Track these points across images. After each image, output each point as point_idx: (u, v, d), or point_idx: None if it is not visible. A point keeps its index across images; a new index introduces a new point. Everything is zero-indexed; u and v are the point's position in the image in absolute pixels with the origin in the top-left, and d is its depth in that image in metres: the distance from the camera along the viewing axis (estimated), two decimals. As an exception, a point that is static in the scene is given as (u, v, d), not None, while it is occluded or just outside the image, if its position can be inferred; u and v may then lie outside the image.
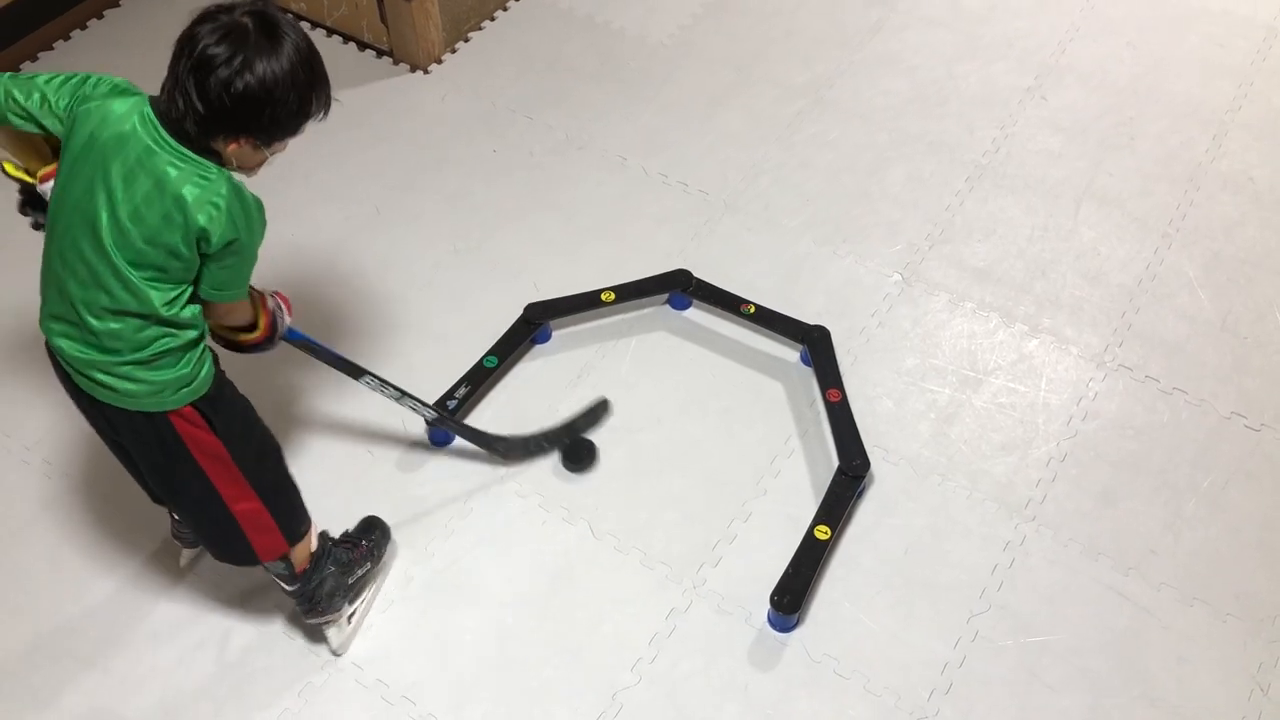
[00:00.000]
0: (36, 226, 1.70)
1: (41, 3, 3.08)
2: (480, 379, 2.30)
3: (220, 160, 1.53)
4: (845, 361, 2.37)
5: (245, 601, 2.05)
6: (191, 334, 1.58)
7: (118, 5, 3.22)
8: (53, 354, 1.63)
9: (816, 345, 2.34)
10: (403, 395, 2.03)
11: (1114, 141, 2.86)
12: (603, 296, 2.42)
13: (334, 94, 2.98)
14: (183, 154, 1.49)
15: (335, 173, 2.78)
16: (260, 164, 1.59)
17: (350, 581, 1.97)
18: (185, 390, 1.60)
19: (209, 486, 1.69)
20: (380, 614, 2.03)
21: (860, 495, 2.18)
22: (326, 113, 1.59)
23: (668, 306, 2.50)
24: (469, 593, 2.07)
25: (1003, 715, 1.92)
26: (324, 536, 1.93)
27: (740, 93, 2.98)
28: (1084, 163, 2.80)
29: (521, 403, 2.33)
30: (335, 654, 1.99)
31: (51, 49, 3.10)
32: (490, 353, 2.34)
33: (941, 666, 1.98)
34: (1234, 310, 2.50)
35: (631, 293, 2.44)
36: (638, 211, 2.70)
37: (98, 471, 2.22)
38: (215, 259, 1.54)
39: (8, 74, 1.61)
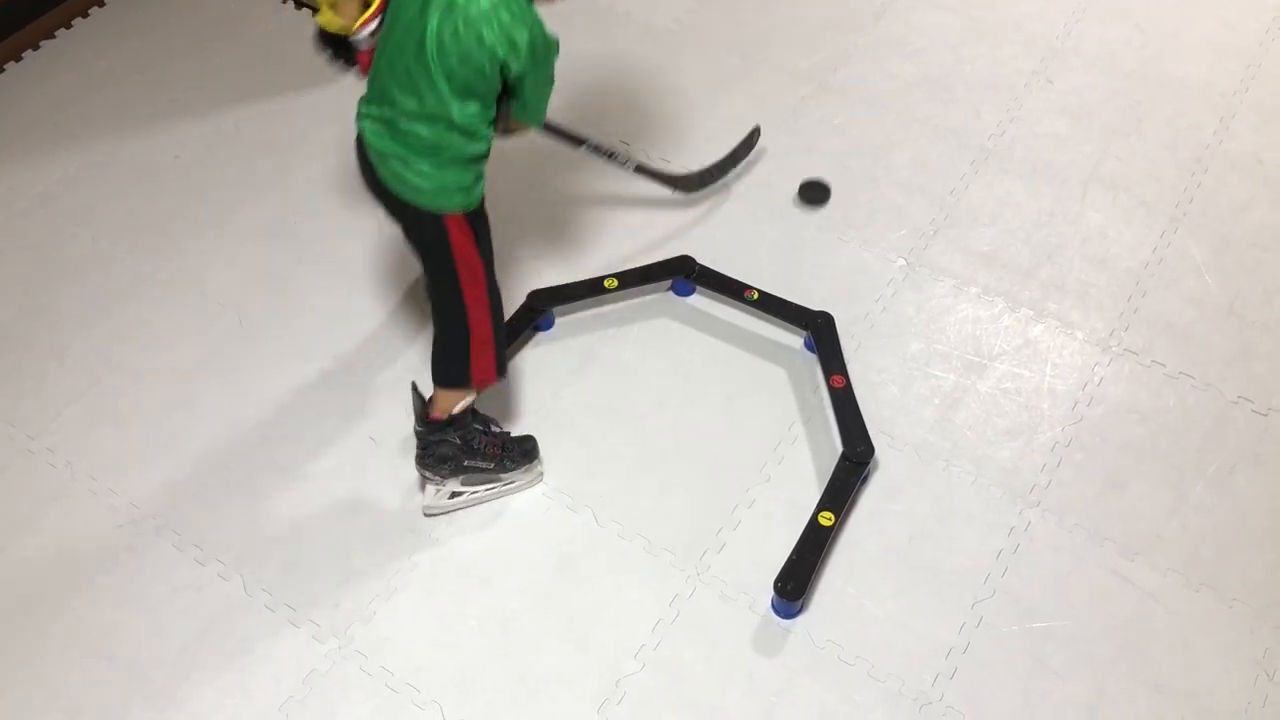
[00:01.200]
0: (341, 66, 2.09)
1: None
2: (484, 366, 2.30)
3: None
4: (849, 347, 2.37)
5: (250, 590, 2.05)
6: (480, 148, 1.81)
7: (102, 4, 3.22)
8: (361, 148, 1.89)
9: (820, 331, 2.33)
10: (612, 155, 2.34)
11: (1121, 125, 2.84)
12: (606, 283, 2.42)
13: (335, 81, 2.99)
14: None
15: (337, 160, 2.77)
16: None
17: (465, 464, 2.09)
18: (460, 195, 1.84)
19: (460, 297, 1.92)
20: (384, 601, 2.04)
21: (864, 481, 2.17)
22: None
23: (671, 293, 2.49)
24: (473, 580, 2.07)
25: (1007, 701, 1.92)
26: (470, 411, 2.07)
27: (745, 78, 2.96)
28: (1090, 146, 2.78)
29: (525, 390, 2.33)
30: (424, 511, 2.14)
31: (38, 48, 3.10)
32: (493, 340, 2.34)
33: (946, 652, 1.97)
34: (1242, 294, 2.48)
35: (635, 279, 2.43)
36: (642, 197, 2.69)
37: (102, 462, 2.23)
38: (515, 89, 1.79)
39: None
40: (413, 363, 2.36)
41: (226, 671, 1.96)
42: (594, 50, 3.04)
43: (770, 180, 2.71)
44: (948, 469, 2.21)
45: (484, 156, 1.84)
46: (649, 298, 2.49)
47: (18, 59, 3.05)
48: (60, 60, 3.06)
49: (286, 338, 2.42)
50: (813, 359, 2.35)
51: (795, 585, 1.98)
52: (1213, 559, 2.08)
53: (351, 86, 2.95)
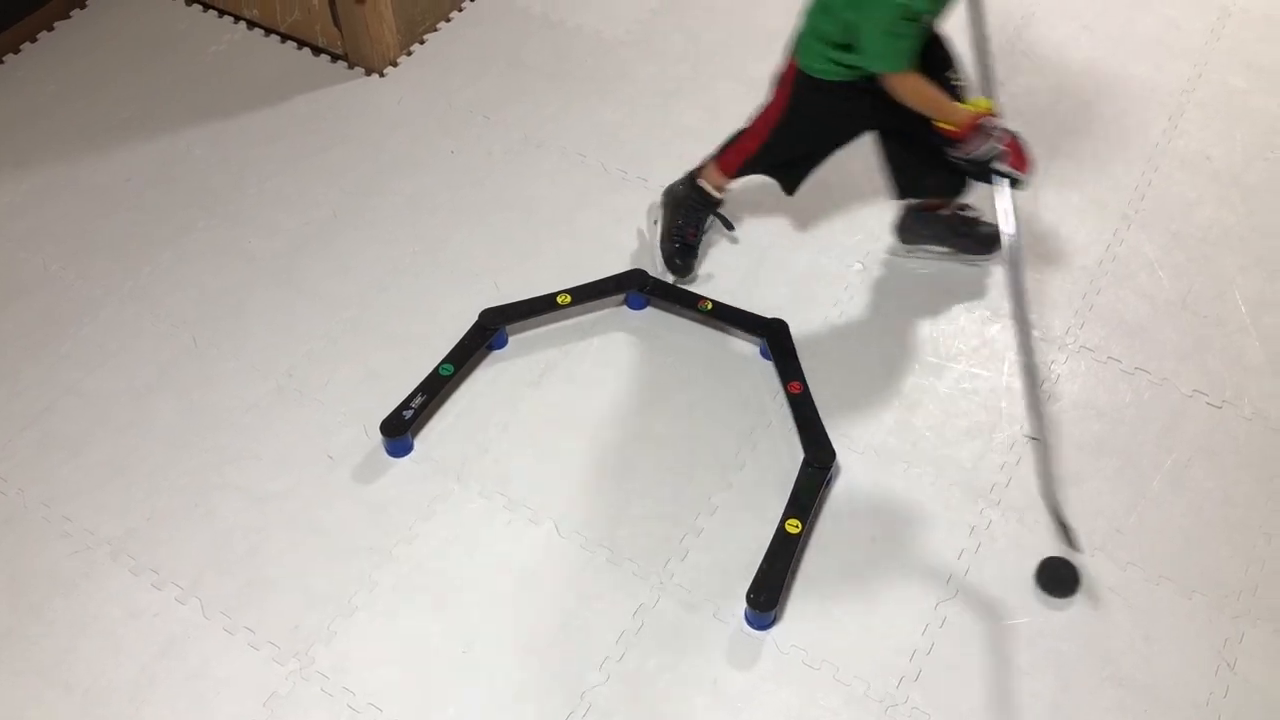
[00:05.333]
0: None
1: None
2: (436, 387, 2.27)
3: None
4: (808, 352, 2.37)
5: (208, 613, 2.03)
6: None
7: (51, 29, 3.19)
8: None
9: (775, 338, 2.34)
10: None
11: (1072, 124, 2.86)
12: (558, 299, 2.41)
13: (288, 99, 2.98)
14: None
15: (291, 178, 2.75)
16: None
17: (666, 217, 2.52)
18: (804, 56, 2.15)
19: (760, 110, 2.32)
20: (345, 620, 2.01)
21: (827, 486, 2.17)
22: None
23: (625, 307, 2.48)
24: (434, 596, 2.05)
25: (972, 700, 1.92)
26: (707, 195, 2.46)
27: (698, 88, 2.97)
28: (1042, 147, 2.79)
29: (480, 410, 2.31)
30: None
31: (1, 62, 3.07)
32: (446, 360, 2.31)
33: (911, 654, 1.98)
34: (1194, 289, 2.51)
35: (588, 294, 2.43)
36: (598, 208, 2.69)
37: (56, 488, 2.20)
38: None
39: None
40: (372, 378, 2.35)
41: (185, 696, 1.93)
42: (548, 63, 3.05)
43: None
44: (908, 470, 2.21)
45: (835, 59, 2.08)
46: (603, 312, 2.48)
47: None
48: (9, 85, 3.03)
49: (242, 357, 2.40)
50: (770, 366, 2.35)
51: (767, 596, 1.98)
52: (1172, 552, 2.10)
53: (301, 109, 2.94)
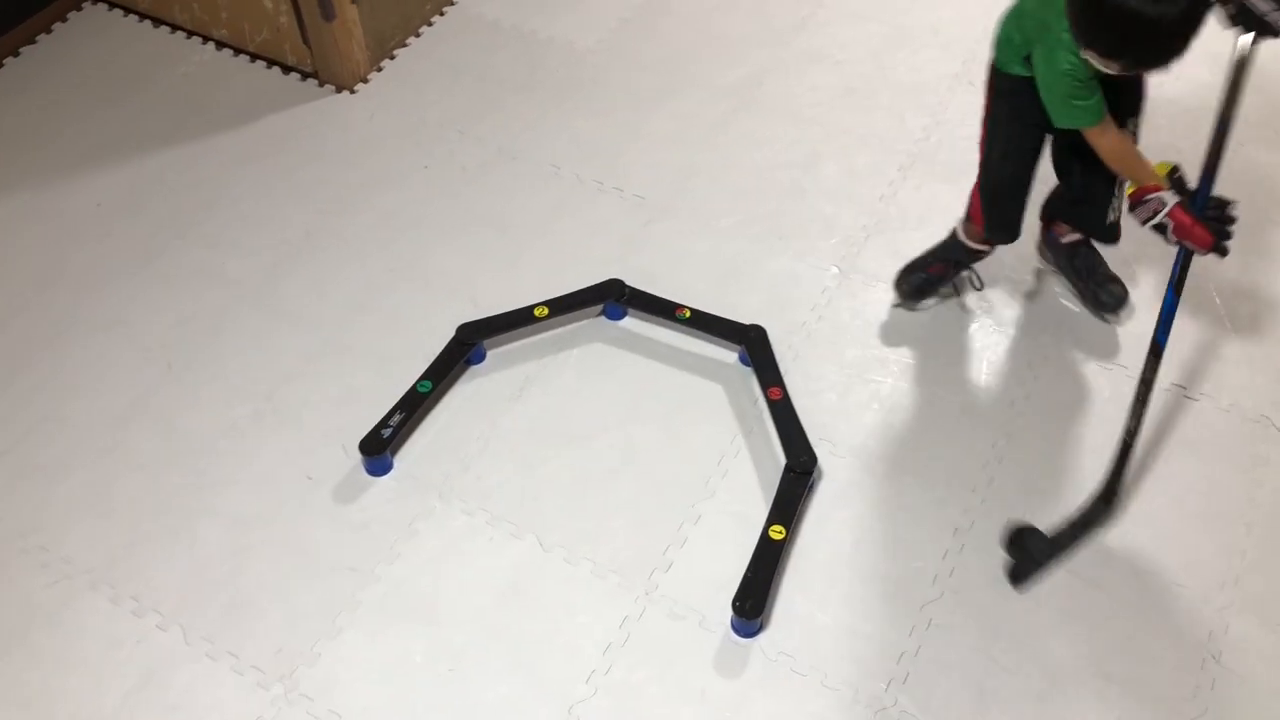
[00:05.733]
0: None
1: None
2: (415, 405, 2.26)
3: None
4: (787, 357, 2.37)
5: (190, 639, 2.01)
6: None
7: (17, 55, 3.18)
8: None
9: (754, 344, 2.33)
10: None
11: (1043, 123, 2.87)
12: (535, 312, 2.40)
13: (259, 119, 2.95)
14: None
15: (264, 198, 2.74)
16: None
17: (922, 275, 2.47)
18: (998, 51, 2.15)
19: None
20: (329, 642, 2.00)
21: (810, 490, 2.17)
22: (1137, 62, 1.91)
23: (603, 317, 2.47)
24: (418, 614, 2.04)
25: (961, 701, 1.92)
26: (965, 248, 2.40)
27: (669, 96, 2.97)
28: (1014, 146, 2.81)
29: (459, 426, 2.30)
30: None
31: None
32: (424, 377, 2.30)
33: (898, 656, 1.97)
34: (1168, 282, 2.51)
35: (564, 306, 2.42)
36: (573, 220, 2.68)
37: (31, 518, 2.18)
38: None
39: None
40: (351, 397, 2.34)
41: (169, 725, 1.92)
42: (519, 75, 3.04)
43: (700, 197, 2.71)
44: (890, 473, 2.21)
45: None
46: (581, 324, 2.47)
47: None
48: (26, 81, 3.01)
49: (218, 380, 2.39)
50: (749, 372, 2.35)
51: (753, 603, 1.97)
52: (1153, 546, 2.10)
53: (272, 128, 2.93)
